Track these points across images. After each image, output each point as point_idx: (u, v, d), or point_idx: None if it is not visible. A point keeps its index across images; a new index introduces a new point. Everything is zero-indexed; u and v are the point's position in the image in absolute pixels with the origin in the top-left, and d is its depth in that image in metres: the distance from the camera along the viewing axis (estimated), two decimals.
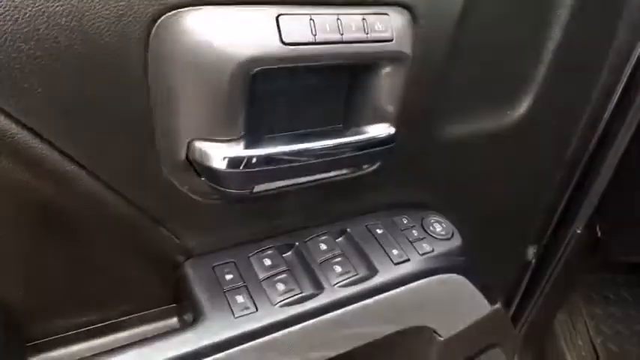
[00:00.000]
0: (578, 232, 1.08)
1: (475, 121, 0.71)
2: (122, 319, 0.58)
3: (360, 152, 0.55)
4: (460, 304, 0.73)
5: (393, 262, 0.62)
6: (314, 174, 0.55)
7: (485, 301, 0.78)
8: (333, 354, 0.60)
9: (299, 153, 0.51)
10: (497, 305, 0.82)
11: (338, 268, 0.59)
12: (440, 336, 0.74)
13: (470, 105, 0.70)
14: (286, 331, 0.54)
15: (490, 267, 1.06)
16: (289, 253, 0.61)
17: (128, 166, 0.48)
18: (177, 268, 0.57)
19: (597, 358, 1.35)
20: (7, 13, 0.36)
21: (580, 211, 1.06)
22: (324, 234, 0.63)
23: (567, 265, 1.14)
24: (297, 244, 0.61)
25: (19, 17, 0.36)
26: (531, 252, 1.14)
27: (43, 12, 0.37)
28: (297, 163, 0.51)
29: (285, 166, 0.51)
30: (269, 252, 0.59)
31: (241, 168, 0.49)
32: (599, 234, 1.10)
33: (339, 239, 0.64)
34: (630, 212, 1.07)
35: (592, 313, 1.45)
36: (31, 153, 0.42)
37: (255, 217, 0.60)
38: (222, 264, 0.57)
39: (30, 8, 0.36)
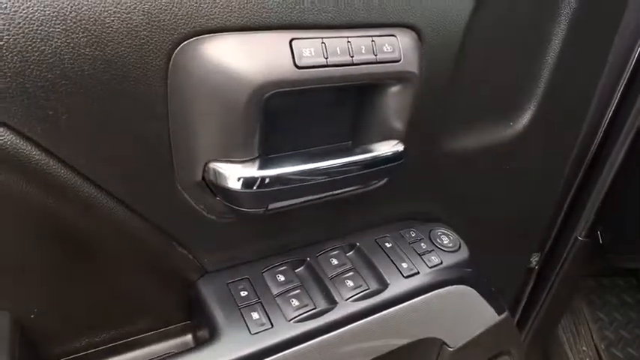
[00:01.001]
0: (580, 238, 1.10)
1: (479, 134, 0.73)
2: (138, 336, 0.59)
3: (370, 170, 0.56)
4: (468, 315, 0.74)
5: (403, 275, 0.63)
6: (325, 191, 0.56)
7: (493, 311, 0.80)
8: None
9: (310, 172, 0.52)
10: (505, 314, 0.83)
11: (350, 283, 0.60)
12: (449, 347, 0.75)
13: (474, 119, 0.71)
14: (301, 346, 0.54)
15: (495, 275, 1.07)
16: (301, 268, 0.62)
17: (146, 186, 0.49)
18: (191, 285, 0.58)
19: None
20: (34, 44, 0.37)
21: (581, 217, 1.07)
22: (334, 249, 0.64)
23: (570, 271, 1.15)
24: (308, 259, 0.62)
25: (45, 48, 0.38)
26: (535, 259, 1.15)
27: (69, 43, 0.38)
28: (309, 182, 0.53)
29: (297, 185, 0.52)
30: (282, 268, 0.60)
31: (255, 188, 0.50)
32: (600, 240, 1.11)
33: (350, 253, 0.65)
34: (631, 218, 1.09)
35: (595, 317, 1.46)
36: (54, 177, 0.43)
37: (268, 234, 0.61)
38: (236, 281, 0.58)
39: (56, 40, 0.38)
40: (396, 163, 0.58)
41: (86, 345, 0.57)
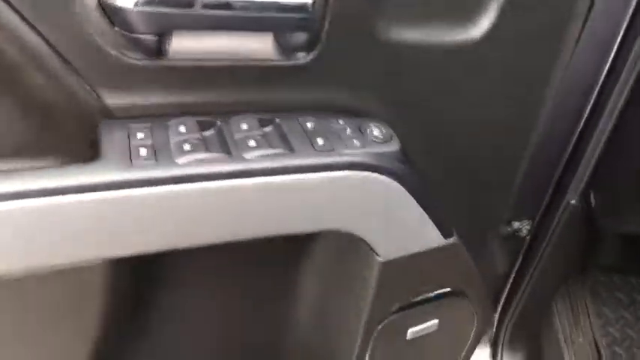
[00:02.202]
0: (572, 203, 1.01)
1: (428, 29, 0.69)
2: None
3: (273, 14, 0.55)
4: (398, 220, 0.69)
5: (314, 148, 0.60)
6: (226, 27, 0.55)
7: (437, 231, 0.73)
8: (232, 236, 0.58)
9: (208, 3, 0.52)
10: (453, 240, 0.77)
11: (252, 143, 0.58)
12: (378, 256, 0.70)
13: (422, 11, 0.67)
14: (184, 186, 0.53)
15: (477, 240, 0.99)
16: (211, 130, 0.61)
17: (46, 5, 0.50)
18: (95, 127, 0.58)
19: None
20: None
21: (573, 180, 0.98)
22: (250, 117, 0.62)
23: (561, 240, 1.06)
24: (219, 122, 0.61)
25: None
26: (525, 227, 1.07)
27: None
28: (207, 12, 0.52)
29: (194, 12, 0.52)
30: (188, 123, 0.59)
31: (150, 7, 0.50)
32: (592, 203, 1.02)
33: (266, 127, 0.63)
34: (625, 180, 0.99)
35: (600, 312, 1.33)
36: None
37: (178, 87, 0.60)
38: (137, 125, 0.58)
39: None
40: (302, 15, 0.56)
41: None
